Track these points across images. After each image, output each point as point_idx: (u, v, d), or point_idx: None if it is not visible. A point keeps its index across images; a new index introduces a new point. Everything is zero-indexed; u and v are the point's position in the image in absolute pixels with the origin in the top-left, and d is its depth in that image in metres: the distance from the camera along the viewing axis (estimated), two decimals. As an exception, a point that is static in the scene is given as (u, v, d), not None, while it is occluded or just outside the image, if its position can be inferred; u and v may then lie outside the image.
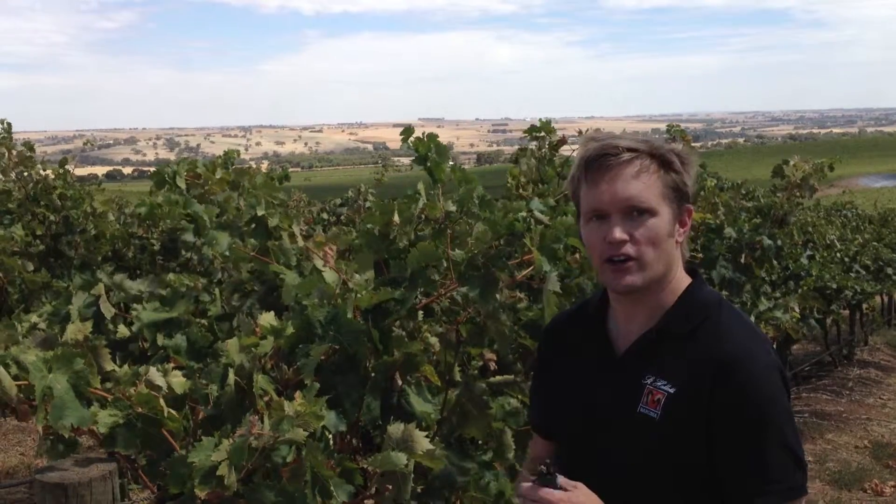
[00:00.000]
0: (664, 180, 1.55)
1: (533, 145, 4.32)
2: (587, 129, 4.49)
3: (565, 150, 4.31)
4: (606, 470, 1.61)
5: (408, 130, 2.51)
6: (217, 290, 2.96)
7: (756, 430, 1.49)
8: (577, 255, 2.49)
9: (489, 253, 2.21)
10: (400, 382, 2.09)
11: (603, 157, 1.56)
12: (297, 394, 1.76)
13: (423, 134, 2.52)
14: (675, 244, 1.60)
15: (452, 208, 2.36)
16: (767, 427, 1.49)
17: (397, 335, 2.15)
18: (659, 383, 1.55)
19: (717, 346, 1.54)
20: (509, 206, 2.35)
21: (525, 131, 4.33)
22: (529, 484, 1.50)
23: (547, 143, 4.38)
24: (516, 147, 4.50)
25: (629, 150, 1.55)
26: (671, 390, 1.53)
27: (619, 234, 1.54)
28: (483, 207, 2.35)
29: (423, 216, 2.42)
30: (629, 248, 1.55)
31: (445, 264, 2.22)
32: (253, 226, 2.77)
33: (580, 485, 1.51)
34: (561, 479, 1.50)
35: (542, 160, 4.28)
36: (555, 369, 1.78)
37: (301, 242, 2.77)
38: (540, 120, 4.32)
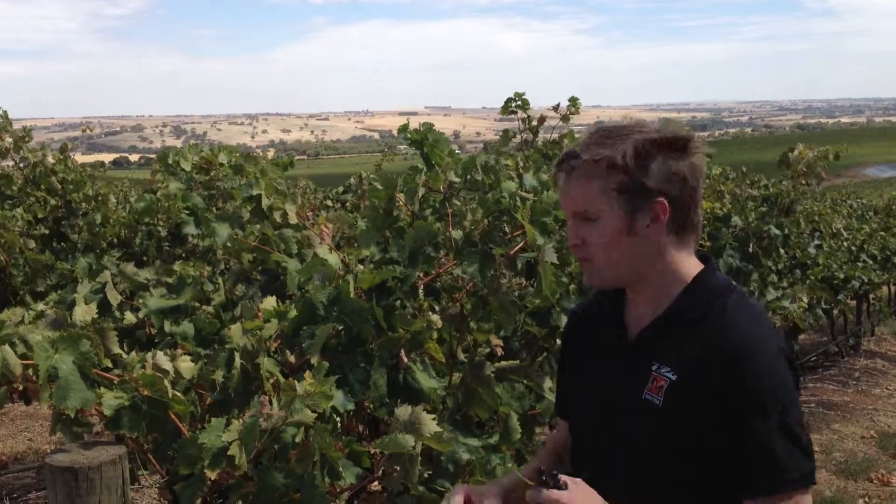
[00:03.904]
0: (610, 182, 1.57)
1: (516, 124, 4.29)
2: (566, 107, 4.47)
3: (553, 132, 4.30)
4: (611, 458, 1.63)
5: (404, 127, 2.56)
6: (220, 280, 2.96)
7: (765, 421, 1.47)
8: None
9: (485, 229, 2.23)
10: (405, 360, 2.09)
11: (562, 161, 1.64)
12: (307, 374, 1.76)
13: (419, 125, 2.56)
14: (648, 239, 1.59)
15: (456, 179, 2.38)
16: (777, 418, 1.48)
17: (400, 313, 2.15)
18: (663, 370, 1.55)
19: (723, 336, 1.53)
20: (500, 185, 2.37)
21: (502, 108, 4.28)
22: (533, 489, 1.49)
23: (527, 124, 4.35)
24: (520, 136, 4.48)
25: (575, 157, 1.60)
26: (673, 377, 1.54)
27: (571, 239, 1.65)
28: (487, 173, 2.37)
29: (427, 187, 2.42)
30: (581, 252, 1.64)
31: (442, 241, 2.25)
32: (251, 206, 2.78)
33: (579, 480, 1.51)
34: (562, 477, 1.50)
35: (527, 144, 4.27)
36: (575, 356, 1.82)
37: (294, 220, 2.76)
38: (515, 93, 4.28)
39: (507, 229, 2.35)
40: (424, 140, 2.49)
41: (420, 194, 2.39)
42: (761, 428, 1.47)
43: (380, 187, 2.41)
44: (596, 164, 1.57)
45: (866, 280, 9.81)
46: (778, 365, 1.51)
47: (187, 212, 3.16)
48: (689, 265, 1.64)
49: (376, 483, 2.05)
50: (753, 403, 1.48)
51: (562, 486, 1.48)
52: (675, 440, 1.53)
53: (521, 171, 2.57)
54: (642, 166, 1.55)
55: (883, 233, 11.81)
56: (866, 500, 5.91)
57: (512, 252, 2.31)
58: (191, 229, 3.14)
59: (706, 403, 1.50)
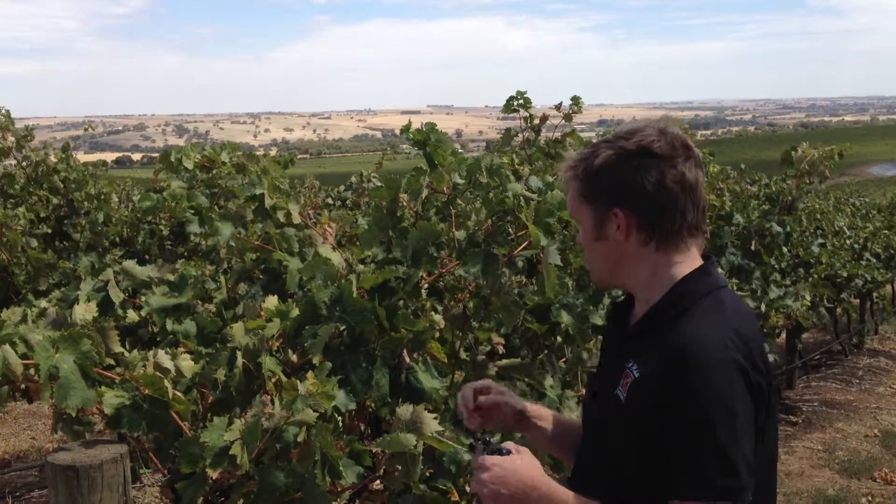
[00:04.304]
0: (579, 192, 1.67)
1: (517, 123, 4.29)
2: (569, 106, 4.46)
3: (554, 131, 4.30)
4: (587, 450, 1.71)
5: (407, 127, 2.57)
6: (223, 278, 2.96)
7: (686, 425, 1.45)
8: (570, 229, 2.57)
9: (488, 230, 2.24)
10: (408, 360, 2.09)
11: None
12: (309, 374, 1.76)
13: (422, 125, 2.56)
14: (619, 244, 1.62)
15: (460, 181, 2.38)
16: (698, 422, 1.45)
17: (403, 313, 2.15)
18: (633, 367, 1.57)
19: (670, 336, 1.53)
20: (505, 186, 2.38)
21: (504, 107, 4.27)
22: (476, 451, 1.59)
23: (529, 123, 4.35)
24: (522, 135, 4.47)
25: (566, 164, 1.71)
26: (637, 374, 1.55)
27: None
28: (492, 176, 2.37)
29: (431, 188, 2.43)
30: None
31: (446, 242, 2.26)
32: (254, 206, 2.78)
33: (524, 449, 1.57)
34: (507, 444, 1.56)
35: (529, 143, 4.26)
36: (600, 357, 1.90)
37: (297, 219, 2.77)
38: (517, 91, 4.27)
39: (510, 230, 2.35)
40: (427, 140, 2.49)
41: (424, 195, 2.39)
42: (678, 431, 1.46)
43: (381, 185, 2.41)
44: (572, 175, 1.67)
45: (870, 278, 9.80)
46: (713, 372, 1.46)
47: (191, 211, 3.17)
48: (681, 266, 1.62)
49: (378, 482, 2.05)
50: (676, 405, 1.46)
51: (501, 452, 1.55)
52: (632, 436, 1.54)
53: (516, 167, 2.56)
54: (600, 179, 1.62)
55: (886, 231, 11.79)
56: (869, 498, 5.90)
57: (515, 252, 2.32)
58: (194, 228, 3.15)
59: (652, 401, 1.50)
